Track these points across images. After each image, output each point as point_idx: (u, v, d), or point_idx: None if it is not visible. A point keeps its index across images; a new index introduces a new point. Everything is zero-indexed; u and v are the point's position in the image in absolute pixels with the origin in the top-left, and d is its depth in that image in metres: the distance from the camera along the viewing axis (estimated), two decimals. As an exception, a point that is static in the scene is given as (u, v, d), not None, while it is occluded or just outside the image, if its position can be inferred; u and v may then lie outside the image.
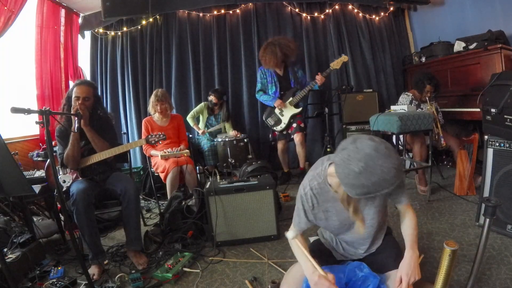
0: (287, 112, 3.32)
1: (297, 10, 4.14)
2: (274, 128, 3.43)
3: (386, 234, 1.37)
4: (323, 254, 1.37)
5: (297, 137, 3.31)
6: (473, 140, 2.70)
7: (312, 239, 1.69)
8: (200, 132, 3.62)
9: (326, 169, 1.18)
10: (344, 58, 3.19)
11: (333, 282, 1.07)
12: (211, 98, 3.63)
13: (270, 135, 3.57)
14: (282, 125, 3.36)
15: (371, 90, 3.97)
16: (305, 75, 3.39)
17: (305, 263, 1.18)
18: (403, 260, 1.16)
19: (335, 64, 3.18)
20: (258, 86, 3.46)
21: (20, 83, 3.39)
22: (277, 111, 3.35)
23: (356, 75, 4.22)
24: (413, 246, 1.18)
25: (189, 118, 3.66)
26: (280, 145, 3.45)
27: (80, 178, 2.02)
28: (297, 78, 3.35)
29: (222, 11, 4.04)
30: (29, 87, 3.32)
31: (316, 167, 1.24)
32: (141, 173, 3.58)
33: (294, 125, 3.31)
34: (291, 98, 3.27)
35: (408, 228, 1.24)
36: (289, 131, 3.38)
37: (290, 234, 1.25)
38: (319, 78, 3.15)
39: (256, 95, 3.50)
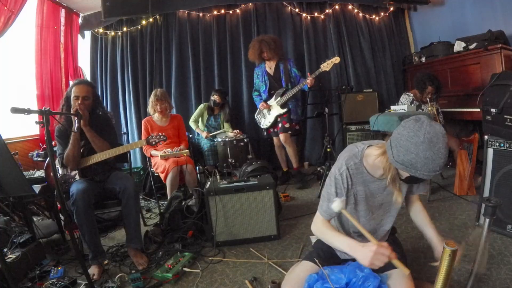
0: (273, 112, 3.34)
1: (297, 10, 4.14)
2: (261, 126, 3.52)
3: (391, 234, 1.37)
4: (326, 254, 1.37)
5: (281, 137, 3.32)
6: (473, 140, 2.70)
7: (314, 238, 1.69)
8: (204, 135, 3.62)
9: (364, 150, 1.19)
10: (336, 59, 3.11)
11: (391, 249, 1.05)
12: (215, 97, 3.63)
13: (264, 133, 3.59)
14: (267, 123, 3.42)
15: (371, 90, 3.97)
16: (299, 73, 3.35)
17: (346, 241, 1.13)
18: (438, 247, 1.23)
19: (326, 66, 3.10)
20: (254, 85, 3.54)
21: (20, 83, 3.38)
22: (264, 110, 3.40)
23: (356, 75, 4.22)
24: (439, 235, 1.27)
25: (191, 123, 3.67)
26: (275, 141, 3.50)
27: (80, 178, 2.02)
28: (290, 77, 3.34)
29: (222, 11, 4.05)
30: (29, 87, 3.32)
31: (351, 149, 1.23)
32: (141, 173, 3.58)
33: (280, 125, 3.31)
34: (279, 98, 3.27)
35: (425, 218, 1.32)
36: (276, 130, 3.38)
37: (336, 205, 1.12)
38: (309, 81, 3.10)
39: (252, 94, 3.57)
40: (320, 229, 1.25)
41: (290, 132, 3.31)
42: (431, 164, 0.99)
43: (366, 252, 1.03)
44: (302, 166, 4.19)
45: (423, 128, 0.99)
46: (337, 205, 1.12)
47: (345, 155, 1.23)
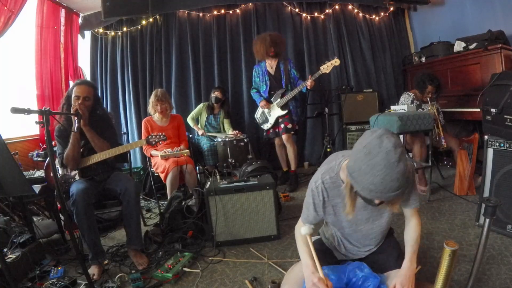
0: (274, 113, 3.33)
1: (297, 10, 4.14)
2: (262, 126, 3.50)
3: (388, 235, 1.37)
4: (324, 254, 1.38)
5: (283, 138, 3.31)
6: (473, 140, 2.70)
7: (313, 238, 1.69)
8: (200, 133, 3.63)
9: (341, 164, 1.17)
10: (336, 62, 3.11)
11: None
12: (216, 93, 3.62)
13: (264, 133, 3.58)
14: (268, 125, 3.40)
15: (371, 90, 3.97)
16: (297, 75, 3.34)
17: (306, 261, 1.18)
18: (401, 271, 1.17)
19: (325, 68, 3.11)
20: (253, 83, 3.52)
21: (20, 83, 3.38)
22: (265, 110, 3.38)
23: (356, 75, 4.22)
24: (412, 259, 1.18)
25: (189, 120, 3.68)
26: (276, 141, 3.48)
27: (80, 178, 2.02)
28: (290, 78, 3.33)
29: (222, 11, 4.04)
30: (29, 87, 3.32)
31: (330, 161, 1.23)
32: (141, 173, 3.58)
33: (282, 125, 3.31)
34: (279, 100, 3.26)
35: (411, 239, 1.23)
36: (278, 131, 3.38)
37: (304, 230, 1.22)
38: (309, 83, 3.09)
39: (251, 92, 3.54)
40: (297, 236, 1.30)
41: (292, 132, 3.32)
42: (363, 178, 0.94)
43: (309, 279, 1.11)
44: (302, 167, 4.19)
45: (369, 138, 0.94)
46: (304, 230, 1.23)
47: (323, 168, 1.22)
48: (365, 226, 1.26)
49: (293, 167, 3.42)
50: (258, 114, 3.51)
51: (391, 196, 0.95)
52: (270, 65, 3.36)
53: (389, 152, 0.91)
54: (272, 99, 3.33)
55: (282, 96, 3.25)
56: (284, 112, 3.27)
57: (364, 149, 0.94)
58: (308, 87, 3.13)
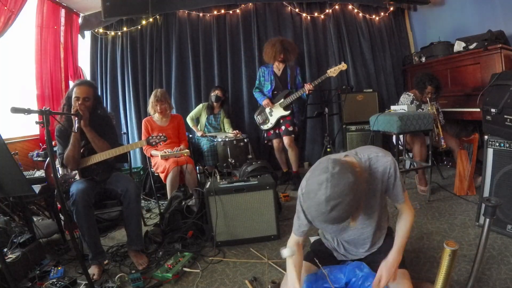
0: (276, 113, 3.34)
1: (297, 10, 4.14)
2: (261, 126, 3.50)
3: (388, 235, 1.37)
4: (324, 254, 1.38)
5: (285, 140, 3.31)
6: (473, 140, 2.70)
7: (313, 239, 1.70)
8: (199, 134, 3.64)
9: None
10: (343, 66, 3.16)
11: None
12: (217, 92, 3.63)
13: (264, 134, 3.58)
14: (269, 125, 3.40)
15: (371, 90, 3.97)
16: (302, 83, 3.38)
17: (292, 284, 1.18)
18: (387, 260, 1.17)
19: (333, 72, 3.16)
20: (256, 83, 3.53)
21: (20, 83, 3.38)
22: (267, 110, 3.38)
23: (356, 75, 4.22)
24: (399, 251, 1.20)
25: (188, 120, 3.69)
26: (275, 143, 3.47)
27: (80, 178, 2.02)
28: (295, 83, 3.37)
29: (222, 11, 4.04)
30: (29, 87, 3.32)
31: (316, 168, 1.22)
32: (141, 173, 3.58)
33: (283, 127, 3.31)
34: (282, 100, 3.28)
35: (401, 231, 1.24)
36: (279, 132, 3.38)
37: (285, 252, 1.24)
38: (307, 87, 3.15)
39: (253, 91, 3.55)
40: (287, 260, 1.27)
41: (293, 135, 3.31)
42: (307, 207, 1.02)
43: None
44: (302, 167, 4.19)
45: (314, 177, 1.01)
46: (285, 252, 1.24)
47: (308, 175, 1.19)
48: (354, 230, 1.26)
49: (295, 169, 3.43)
50: (258, 115, 3.51)
51: (335, 225, 1.02)
52: (278, 67, 3.41)
53: (320, 204, 0.96)
54: (275, 100, 3.34)
55: (286, 97, 3.26)
56: (287, 113, 3.28)
57: (307, 186, 1.03)
58: (306, 92, 3.18)
